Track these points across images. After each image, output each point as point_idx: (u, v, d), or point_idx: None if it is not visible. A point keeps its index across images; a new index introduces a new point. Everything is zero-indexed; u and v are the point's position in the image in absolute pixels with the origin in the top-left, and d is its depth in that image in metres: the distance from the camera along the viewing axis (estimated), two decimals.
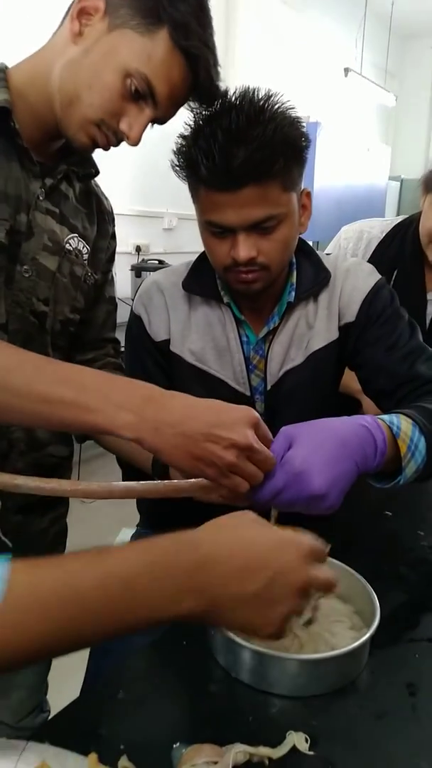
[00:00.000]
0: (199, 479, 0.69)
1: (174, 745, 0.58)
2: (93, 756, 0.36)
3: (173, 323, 1.03)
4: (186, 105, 0.85)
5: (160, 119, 0.82)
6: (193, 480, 0.70)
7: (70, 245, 0.89)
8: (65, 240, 0.88)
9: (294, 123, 0.86)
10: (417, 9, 5.90)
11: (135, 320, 1.06)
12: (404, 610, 0.83)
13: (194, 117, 0.87)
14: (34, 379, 0.64)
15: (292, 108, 0.87)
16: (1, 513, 0.90)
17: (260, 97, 0.85)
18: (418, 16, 6.11)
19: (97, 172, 0.94)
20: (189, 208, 0.93)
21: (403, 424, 0.81)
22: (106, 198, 1.01)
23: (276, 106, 0.85)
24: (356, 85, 5.77)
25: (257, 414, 0.67)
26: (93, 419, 0.63)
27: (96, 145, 0.82)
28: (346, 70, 5.63)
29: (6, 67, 0.84)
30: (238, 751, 0.57)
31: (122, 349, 1.10)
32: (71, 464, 1.04)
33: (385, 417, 0.81)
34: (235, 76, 3.72)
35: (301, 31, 4.88)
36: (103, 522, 2.69)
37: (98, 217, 0.97)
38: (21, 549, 0.95)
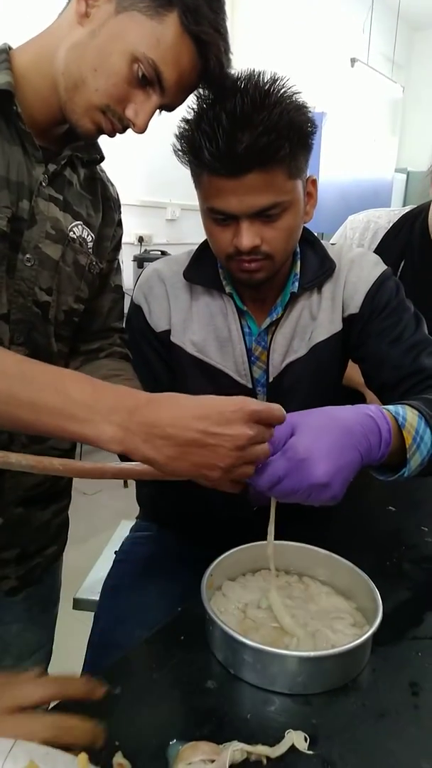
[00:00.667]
0: None
1: (170, 743, 0.57)
2: (83, 756, 0.35)
3: (174, 313, 1.01)
4: (194, 92, 0.82)
5: (168, 106, 0.79)
6: None
7: (74, 233, 0.86)
8: (69, 228, 0.85)
9: (300, 108, 0.84)
10: (425, 1, 5.83)
11: (135, 310, 1.04)
12: (407, 607, 0.81)
13: (197, 100, 0.84)
14: (16, 383, 0.61)
15: (298, 92, 0.85)
16: (3, 505, 0.89)
17: (265, 80, 0.82)
18: (426, 7, 6.03)
19: (102, 158, 0.92)
20: (192, 199, 0.91)
21: (408, 415, 0.78)
22: (112, 184, 0.99)
23: (282, 90, 0.82)
24: (363, 75, 5.70)
25: (252, 402, 0.62)
26: (80, 430, 0.59)
27: (101, 132, 0.80)
28: (353, 60, 5.57)
29: (10, 48, 0.81)
30: (236, 749, 0.55)
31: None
32: (74, 457, 1.03)
33: (391, 407, 0.79)
34: (238, 63, 3.67)
35: (307, 20, 4.82)
36: (102, 514, 2.69)
37: (104, 204, 0.94)
38: (23, 541, 0.94)
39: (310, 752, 0.57)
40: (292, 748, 0.57)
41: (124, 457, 0.80)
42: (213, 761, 0.54)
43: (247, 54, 4.00)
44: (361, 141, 5.18)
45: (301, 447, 0.67)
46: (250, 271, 0.91)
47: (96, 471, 0.65)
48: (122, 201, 1.01)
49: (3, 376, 0.61)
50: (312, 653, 0.64)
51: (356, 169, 5.02)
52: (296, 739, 0.58)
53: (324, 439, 0.68)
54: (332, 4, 5.16)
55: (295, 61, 4.61)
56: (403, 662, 0.70)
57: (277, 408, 0.64)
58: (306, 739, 0.58)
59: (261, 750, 0.56)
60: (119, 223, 1.00)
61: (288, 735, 0.58)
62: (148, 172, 3.60)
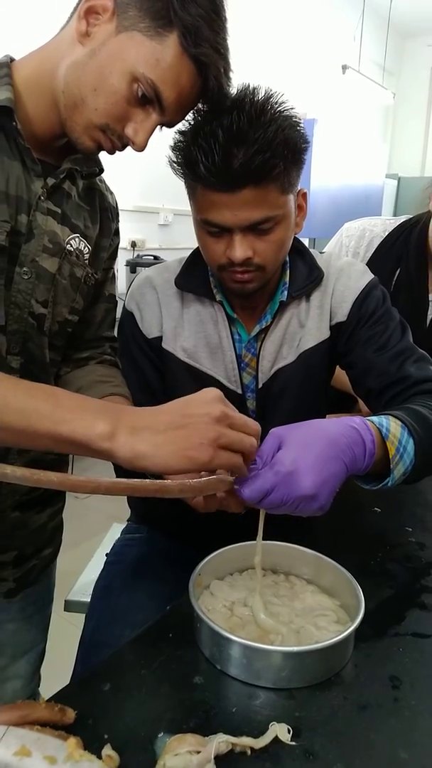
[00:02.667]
0: (185, 482, 0.67)
1: (158, 735, 0.59)
2: (72, 740, 0.37)
3: (165, 320, 1.03)
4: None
5: (168, 123, 0.80)
6: (180, 481, 0.68)
7: (71, 246, 0.87)
8: (66, 241, 0.86)
9: (294, 125, 0.86)
10: (415, 8, 5.91)
11: (127, 317, 1.06)
12: (390, 605, 0.84)
13: (193, 114, 0.85)
14: (9, 393, 0.63)
15: (292, 108, 0.87)
16: (0, 510, 0.91)
17: (261, 96, 0.84)
18: (416, 15, 6.11)
19: (101, 171, 0.92)
20: (185, 204, 0.93)
21: (392, 425, 0.81)
22: (111, 193, 0.99)
23: (277, 107, 0.84)
24: (354, 82, 5.77)
25: (220, 392, 0.67)
26: (70, 430, 0.61)
27: (101, 149, 0.80)
28: (344, 67, 5.64)
29: (11, 60, 0.81)
30: (221, 741, 0.57)
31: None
32: (67, 459, 1.05)
33: (374, 418, 0.81)
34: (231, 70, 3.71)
35: (299, 28, 4.87)
36: (94, 517, 2.70)
37: (101, 214, 0.95)
38: (20, 545, 0.96)
39: (293, 743, 0.59)
40: (276, 740, 0.59)
41: (118, 470, 0.82)
42: (199, 752, 0.56)
43: (240, 62, 4.03)
44: (352, 147, 5.23)
45: (287, 460, 0.69)
46: (242, 282, 0.93)
47: (90, 485, 0.67)
48: None
49: None
50: (295, 648, 0.66)
51: (347, 175, 5.06)
52: (280, 730, 0.60)
53: (310, 452, 0.70)
54: (324, 12, 5.21)
55: (287, 68, 4.67)
56: (385, 658, 0.72)
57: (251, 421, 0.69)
58: (289, 731, 0.60)
59: (246, 741, 0.58)
60: (116, 232, 1.01)
61: (272, 727, 0.60)
62: (141, 178, 3.63)
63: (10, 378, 0.66)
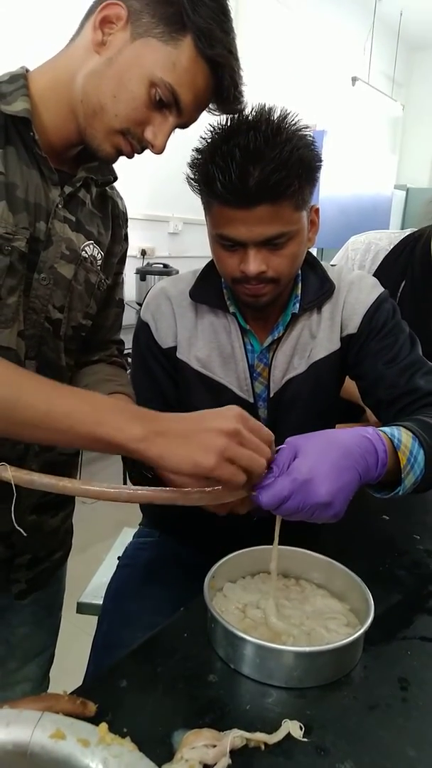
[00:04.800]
0: (203, 489, 0.70)
1: (175, 730, 0.62)
2: (103, 725, 0.40)
3: (180, 330, 1.06)
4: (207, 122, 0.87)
5: (183, 124, 0.83)
6: (198, 489, 0.71)
7: (86, 253, 0.90)
8: (81, 248, 0.89)
9: (309, 144, 0.88)
10: (425, 20, 5.95)
11: (143, 327, 1.09)
12: (398, 610, 0.86)
13: (211, 133, 0.88)
14: (54, 395, 0.67)
15: (306, 127, 0.90)
16: (18, 514, 0.93)
17: (277, 116, 0.87)
18: (425, 27, 6.16)
19: (115, 179, 0.95)
20: (194, 213, 0.95)
21: (403, 436, 0.83)
22: (121, 198, 1.02)
23: (293, 127, 0.87)
24: (364, 93, 5.81)
25: (242, 410, 0.70)
26: (106, 432, 0.65)
27: (120, 154, 0.83)
28: (354, 79, 5.68)
29: (27, 71, 0.84)
30: (236, 736, 0.60)
31: (126, 350, 1.13)
32: (77, 461, 1.07)
33: (387, 429, 0.84)
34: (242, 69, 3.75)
35: (308, 39, 4.92)
36: (101, 522, 2.73)
37: (113, 221, 0.98)
38: (34, 547, 0.99)
39: (305, 739, 0.61)
40: (288, 736, 0.62)
41: (132, 475, 0.85)
42: (215, 746, 0.59)
43: (251, 74, 4.08)
44: (362, 158, 5.27)
45: (304, 468, 0.71)
46: (256, 295, 0.96)
47: (112, 493, 0.70)
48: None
49: (37, 390, 0.68)
50: (307, 649, 0.69)
51: (356, 186, 5.10)
52: (292, 727, 0.62)
53: (326, 461, 0.73)
54: (334, 24, 5.26)
55: (297, 80, 4.72)
56: (393, 660, 0.75)
57: (266, 429, 0.71)
58: (301, 728, 0.62)
59: (260, 737, 0.61)
60: (125, 237, 1.04)
61: (285, 724, 0.62)
62: (151, 186, 3.67)
63: (50, 381, 0.70)
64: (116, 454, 0.69)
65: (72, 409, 0.66)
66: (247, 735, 0.60)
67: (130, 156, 0.84)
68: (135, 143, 0.81)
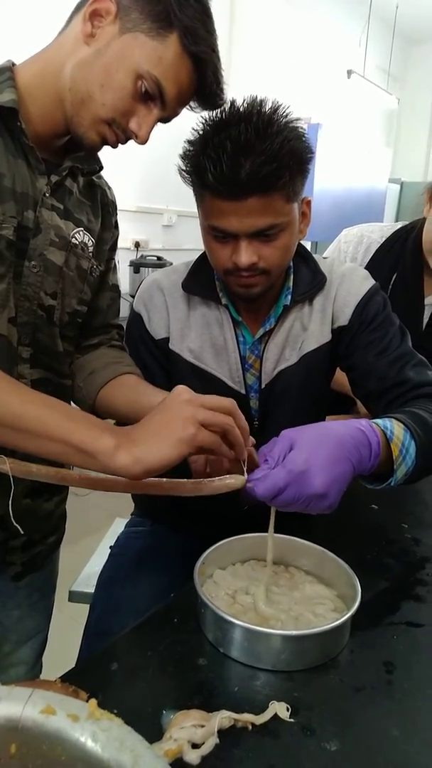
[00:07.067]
0: (200, 480, 0.72)
1: (164, 711, 0.63)
2: (93, 701, 0.41)
3: (173, 322, 1.07)
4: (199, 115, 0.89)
5: (166, 118, 0.86)
6: (194, 480, 0.73)
7: (76, 239, 0.92)
8: (71, 234, 0.91)
9: (300, 136, 0.89)
10: (420, 14, 5.95)
11: (135, 318, 1.10)
12: (385, 596, 0.87)
13: (203, 124, 0.90)
14: (26, 400, 0.68)
15: (298, 119, 0.90)
16: (14, 497, 0.94)
17: (268, 108, 0.88)
18: (421, 20, 6.15)
19: (101, 168, 0.97)
20: (188, 206, 0.96)
21: (395, 428, 0.84)
22: (110, 188, 1.04)
23: (284, 119, 0.88)
24: (359, 87, 5.80)
25: (187, 387, 0.73)
26: (79, 439, 0.66)
27: (105, 143, 0.85)
28: (349, 72, 5.67)
29: (13, 64, 0.86)
30: (224, 716, 0.61)
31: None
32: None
33: (379, 421, 0.85)
34: (237, 75, 3.76)
35: (304, 32, 4.91)
36: (93, 514, 2.74)
37: (102, 209, 1.00)
38: (29, 530, 1.00)
39: (292, 720, 0.63)
40: (275, 717, 0.63)
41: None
42: (203, 726, 0.60)
43: (246, 67, 4.08)
44: (356, 151, 5.27)
45: (300, 460, 0.73)
46: (247, 286, 0.96)
47: (109, 482, 0.71)
48: (119, 207, 1.07)
49: (12, 394, 0.69)
50: (294, 632, 0.70)
51: (351, 179, 5.10)
52: (279, 708, 0.64)
53: (321, 453, 0.74)
54: (329, 17, 5.25)
55: (292, 73, 4.70)
56: (380, 644, 0.76)
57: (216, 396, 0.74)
58: (288, 709, 0.64)
59: (247, 717, 0.62)
60: (116, 225, 1.06)
61: (272, 705, 0.64)
62: (145, 179, 3.66)
63: (27, 388, 0.72)
64: (82, 468, 0.70)
65: (44, 414, 0.67)
66: (235, 716, 0.62)
67: (114, 145, 0.86)
68: (120, 133, 0.84)
